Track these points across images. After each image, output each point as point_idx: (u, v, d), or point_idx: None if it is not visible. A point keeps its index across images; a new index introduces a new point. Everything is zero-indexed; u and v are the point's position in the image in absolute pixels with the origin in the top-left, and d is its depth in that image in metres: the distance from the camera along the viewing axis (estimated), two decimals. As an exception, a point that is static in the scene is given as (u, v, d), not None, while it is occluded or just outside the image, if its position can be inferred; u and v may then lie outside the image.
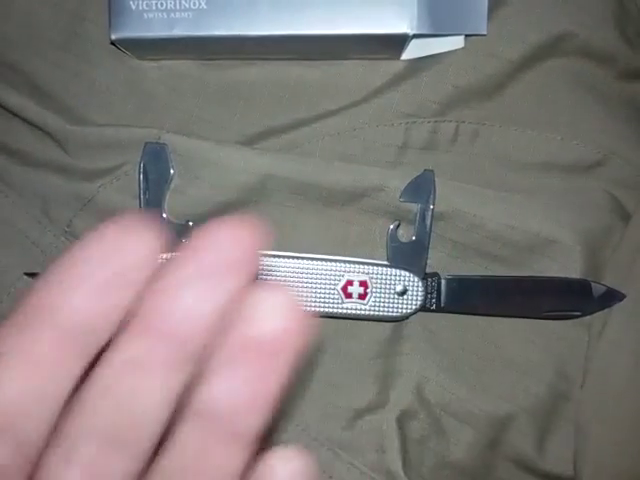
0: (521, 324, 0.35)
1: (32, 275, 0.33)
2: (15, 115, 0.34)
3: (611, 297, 0.34)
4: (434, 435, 0.34)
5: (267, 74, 0.35)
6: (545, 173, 0.35)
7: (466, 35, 0.34)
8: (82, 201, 0.34)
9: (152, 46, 0.33)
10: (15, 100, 0.33)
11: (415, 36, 0.32)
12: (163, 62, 0.35)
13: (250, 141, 0.35)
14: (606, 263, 0.35)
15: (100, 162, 0.34)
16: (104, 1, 0.33)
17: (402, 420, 0.34)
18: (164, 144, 0.32)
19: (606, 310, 0.34)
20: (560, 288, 0.34)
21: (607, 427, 0.34)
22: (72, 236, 0.34)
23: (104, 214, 0.34)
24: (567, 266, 0.34)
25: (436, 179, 0.33)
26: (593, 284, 0.34)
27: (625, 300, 0.34)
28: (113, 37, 0.32)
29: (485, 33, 0.33)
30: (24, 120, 0.34)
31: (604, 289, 0.34)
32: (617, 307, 0.34)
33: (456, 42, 0.34)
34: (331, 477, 0.33)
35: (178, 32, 0.32)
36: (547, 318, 0.34)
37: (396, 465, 0.33)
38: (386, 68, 0.35)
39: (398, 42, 0.33)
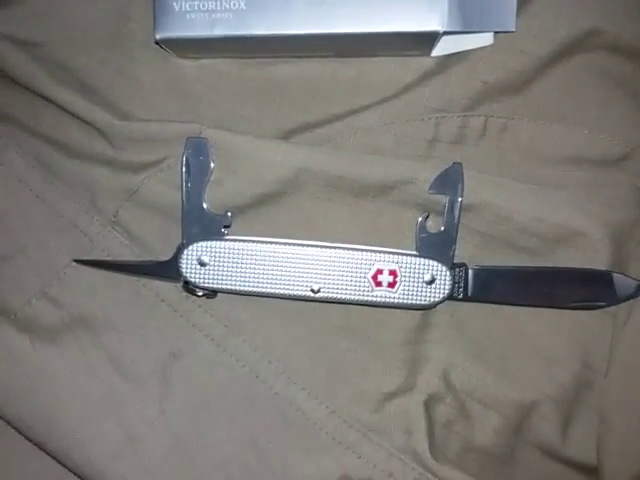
0: (547, 313, 0.35)
1: (81, 262, 0.35)
2: (64, 110, 0.35)
3: (636, 288, 0.34)
4: (460, 419, 0.35)
5: (302, 71, 0.36)
6: (572, 167, 0.36)
7: (495, 32, 0.35)
8: (127, 192, 0.35)
9: (194, 45, 0.34)
10: (64, 96, 0.34)
11: (445, 33, 0.33)
12: (203, 60, 0.36)
13: (285, 136, 0.36)
14: (632, 255, 0.35)
15: (144, 155, 0.35)
16: (148, 2, 0.34)
17: (429, 404, 0.35)
18: (205, 139, 0.33)
19: (631, 301, 0.34)
20: (586, 279, 0.34)
21: (630, 417, 0.35)
22: (118, 225, 0.36)
23: (149, 205, 0.35)
24: (593, 258, 0.34)
25: (464, 172, 0.33)
26: (618, 275, 0.34)
27: None
28: (157, 37, 0.33)
29: (514, 30, 0.34)
30: (73, 115, 0.35)
31: (629, 280, 0.34)
32: None
33: (485, 39, 0.34)
34: (360, 457, 0.34)
35: (219, 32, 0.33)
36: (573, 308, 0.35)
37: (423, 447, 0.34)
38: (416, 64, 0.36)
39: (429, 39, 0.34)
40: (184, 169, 0.33)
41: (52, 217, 0.36)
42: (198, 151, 0.33)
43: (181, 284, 0.35)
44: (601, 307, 0.35)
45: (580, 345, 0.35)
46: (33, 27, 0.36)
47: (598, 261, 0.34)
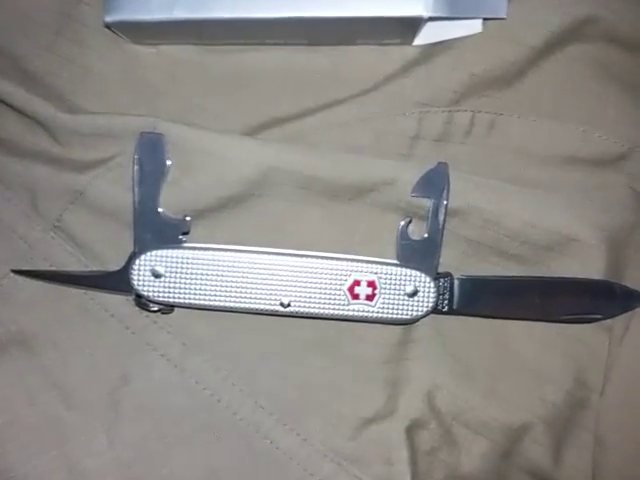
0: (538, 327, 0.34)
1: (20, 273, 0.33)
2: (2, 102, 0.33)
3: (634, 299, 0.34)
4: (445, 446, 0.34)
5: (271, 60, 0.34)
6: (566, 167, 0.35)
7: (484, 19, 0.33)
8: (73, 194, 0.33)
9: (149, 30, 0.32)
10: (3, 86, 0.32)
11: (430, 19, 0.31)
12: (161, 47, 0.35)
13: (252, 131, 0.34)
14: (629, 263, 0.34)
15: (92, 152, 0.33)
16: (100, -17, 0.33)
17: (411, 430, 0.33)
18: (160, 134, 0.31)
19: (628, 313, 0.34)
20: (580, 290, 0.34)
21: (628, 437, 0.34)
22: (62, 231, 0.34)
23: (96, 208, 0.33)
24: (588, 266, 0.33)
25: (450, 172, 0.32)
26: (615, 285, 0.33)
27: None
28: (107, 20, 0.31)
29: (505, 17, 0.33)
30: (12, 107, 0.33)
31: (627, 291, 0.34)
32: None
33: (474, 26, 0.33)
34: (335, 490, 0.33)
35: (178, 14, 0.31)
36: (566, 321, 0.34)
37: (405, 478, 0.32)
38: (398, 54, 0.34)
39: (412, 25, 0.32)
40: (136, 168, 0.31)
41: (-12, 222, 0.34)
42: (152, 148, 0.31)
43: (133, 297, 0.32)
44: (597, 320, 0.34)
45: (574, 361, 0.34)
46: None
47: (594, 270, 0.33)
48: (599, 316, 0.33)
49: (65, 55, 0.34)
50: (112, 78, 0.34)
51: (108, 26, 0.32)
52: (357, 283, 0.31)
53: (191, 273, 0.31)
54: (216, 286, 0.31)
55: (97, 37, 0.34)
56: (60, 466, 0.32)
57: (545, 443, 0.34)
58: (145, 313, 0.33)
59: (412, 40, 0.33)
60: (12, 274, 0.33)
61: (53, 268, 0.33)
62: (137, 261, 0.31)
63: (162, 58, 0.34)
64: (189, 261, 0.31)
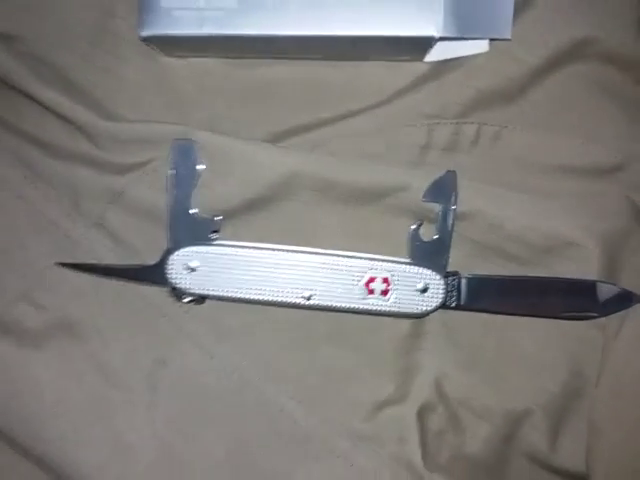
0: (538, 323, 0.35)
1: (65, 265, 0.34)
2: (47, 108, 0.34)
3: (627, 299, 0.34)
4: (451, 429, 0.35)
5: (293, 73, 0.36)
6: (565, 176, 0.36)
7: (490, 39, 0.35)
8: (112, 194, 0.35)
9: (181, 43, 0.34)
10: (47, 94, 0.34)
11: (441, 39, 0.33)
12: (191, 59, 0.36)
13: (275, 139, 0.36)
14: (623, 266, 0.35)
15: (130, 157, 0.34)
16: (133, -1, 0.34)
17: (422, 414, 0.35)
18: (193, 141, 0.33)
19: (622, 312, 0.35)
20: (577, 289, 0.35)
21: (620, 426, 0.35)
22: (102, 228, 0.35)
23: (134, 208, 0.35)
24: (585, 268, 0.34)
25: (458, 180, 0.33)
26: (609, 286, 0.34)
27: None
28: (142, 34, 0.32)
29: (510, 37, 0.34)
30: (56, 114, 0.34)
31: (620, 291, 0.34)
32: (633, 309, 0.34)
33: (480, 46, 0.35)
34: (352, 465, 0.34)
35: (207, 30, 0.32)
36: (564, 318, 0.35)
37: (416, 456, 0.34)
38: (410, 69, 0.36)
39: (424, 44, 0.33)
40: (171, 172, 0.33)
41: (34, 218, 0.35)
42: (185, 154, 0.33)
43: (168, 289, 0.34)
44: (592, 318, 0.35)
45: (571, 354, 0.35)
46: (13, 21, 0.35)
47: (589, 271, 0.34)
48: (594, 314, 0.34)
49: (102, 65, 0.35)
50: (146, 88, 0.35)
51: (143, 40, 0.33)
52: (372, 279, 0.33)
53: (221, 268, 0.32)
54: (243, 280, 0.32)
55: (132, 49, 0.35)
56: (105, 439, 0.34)
57: (543, 429, 0.35)
58: (179, 303, 0.34)
59: (423, 57, 0.35)
60: (57, 266, 0.34)
61: (95, 261, 0.34)
62: (172, 256, 0.32)
63: (192, 70, 0.35)
64: (219, 257, 0.32)
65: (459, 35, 0.33)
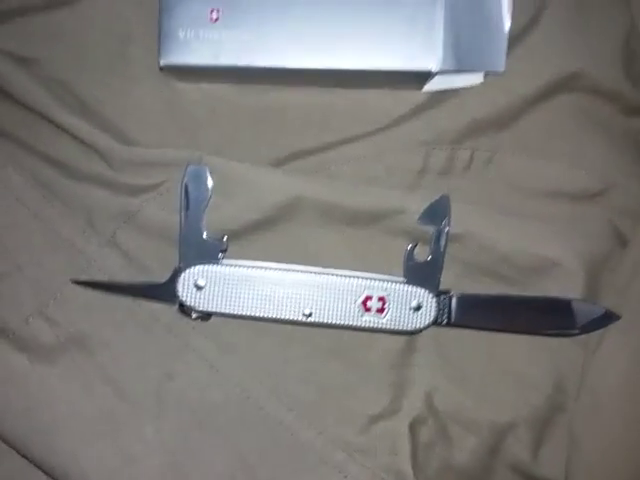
0: (524, 340, 0.36)
1: (78, 282, 0.35)
2: (65, 132, 0.35)
3: (607, 318, 0.36)
4: (441, 440, 0.36)
5: (299, 99, 0.37)
6: (553, 200, 0.37)
7: (485, 72, 0.36)
8: (126, 214, 0.36)
9: (196, 72, 0.35)
10: (66, 119, 0.35)
11: (439, 72, 0.34)
12: (203, 85, 0.37)
13: (281, 162, 0.37)
14: (604, 286, 0.37)
15: (144, 179, 0.35)
16: (150, 24, 0.35)
17: (413, 427, 0.36)
18: (205, 166, 0.34)
19: (602, 330, 0.36)
20: (561, 308, 0.36)
21: (597, 438, 0.36)
22: (115, 246, 0.36)
23: (146, 227, 0.36)
24: (569, 288, 0.36)
25: (451, 203, 0.34)
26: (591, 305, 0.36)
27: (620, 321, 0.36)
28: (162, 63, 0.34)
29: (503, 71, 0.35)
30: (73, 136, 0.35)
31: (601, 310, 0.36)
32: (612, 327, 0.36)
33: (476, 78, 0.36)
34: (346, 477, 0.35)
35: (223, 62, 0.34)
36: (548, 335, 0.36)
37: (407, 467, 0.35)
38: (409, 98, 0.37)
39: (423, 77, 0.35)
40: (183, 195, 0.34)
41: (49, 236, 0.36)
42: (198, 178, 0.34)
43: (177, 306, 0.35)
44: (574, 335, 0.36)
45: (554, 370, 0.37)
46: (32, 44, 0.37)
47: (573, 291, 0.36)
48: (576, 331, 0.35)
49: (118, 90, 0.36)
50: (160, 111, 0.36)
51: (161, 68, 0.34)
52: (369, 298, 0.34)
53: (228, 286, 0.34)
54: (249, 298, 0.34)
55: (146, 74, 0.36)
56: (114, 451, 0.34)
57: (526, 441, 0.36)
58: (186, 319, 0.35)
59: (422, 87, 0.36)
60: (71, 283, 0.35)
61: (107, 278, 0.35)
62: (182, 275, 0.34)
63: (203, 94, 0.36)
64: (226, 276, 0.34)
65: (457, 68, 0.34)
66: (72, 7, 0.36)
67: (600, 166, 0.37)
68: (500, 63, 0.35)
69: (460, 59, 0.34)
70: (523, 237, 0.36)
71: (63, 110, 0.35)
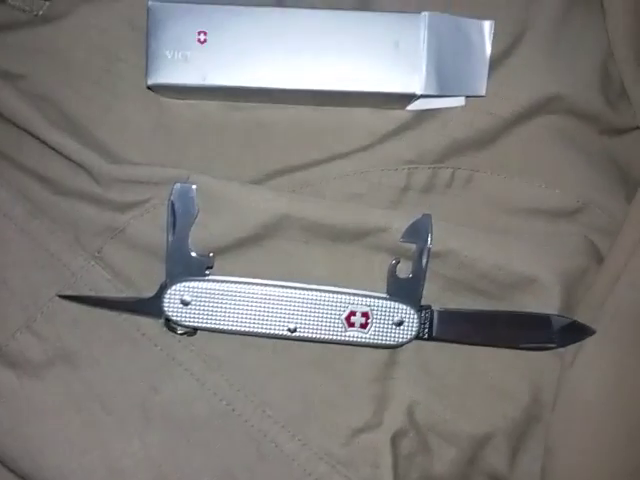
0: (503, 353, 0.37)
1: (65, 297, 0.35)
2: (53, 149, 0.35)
3: (583, 332, 0.37)
4: (421, 452, 0.37)
5: (285, 116, 0.37)
6: (530, 217, 0.38)
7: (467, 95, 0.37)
8: (113, 230, 0.36)
9: (183, 90, 0.35)
10: (53, 136, 0.35)
11: (422, 96, 0.35)
12: (190, 101, 0.37)
13: (266, 178, 0.37)
14: (580, 301, 0.38)
15: (131, 195, 0.35)
16: (136, 41, 0.35)
17: (395, 439, 0.36)
18: (191, 185, 0.34)
19: (577, 343, 0.37)
20: (538, 322, 0.37)
21: (571, 449, 0.37)
22: (102, 261, 0.36)
23: (133, 243, 0.36)
24: (546, 303, 0.36)
25: (433, 221, 0.35)
26: (567, 319, 0.36)
27: (595, 335, 0.37)
28: (149, 83, 0.34)
29: (484, 95, 0.36)
30: (62, 155, 0.35)
31: (577, 324, 0.37)
32: (588, 341, 0.37)
33: (457, 100, 0.37)
34: (328, 489, 0.36)
35: (209, 82, 0.34)
36: (525, 349, 0.37)
37: (388, 479, 0.36)
38: (393, 117, 0.37)
39: (406, 99, 0.36)
40: (170, 213, 0.34)
41: (36, 251, 0.36)
42: (184, 196, 0.34)
43: (162, 321, 0.35)
44: (551, 348, 0.37)
45: (531, 382, 0.38)
46: (18, 60, 0.37)
47: (550, 306, 0.37)
48: (553, 345, 0.36)
49: (104, 105, 0.36)
50: (146, 127, 0.36)
51: (148, 87, 0.34)
52: (353, 313, 0.35)
53: (214, 302, 0.34)
54: (234, 313, 0.34)
55: (133, 90, 0.36)
56: (101, 464, 0.35)
57: (503, 451, 0.37)
58: (171, 333, 0.35)
59: (406, 106, 0.37)
60: (57, 297, 0.35)
61: (93, 293, 0.35)
62: (168, 291, 0.34)
63: (191, 111, 0.37)
64: (212, 291, 0.34)
65: (439, 93, 0.35)
66: (59, 23, 0.36)
67: (577, 185, 0.38)
68: (481, 88, 0.36)
69: (443, 84, 0.35)
70: (502, 254, 0.36)
71: (49, 127, 0.35)
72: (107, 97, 0.36)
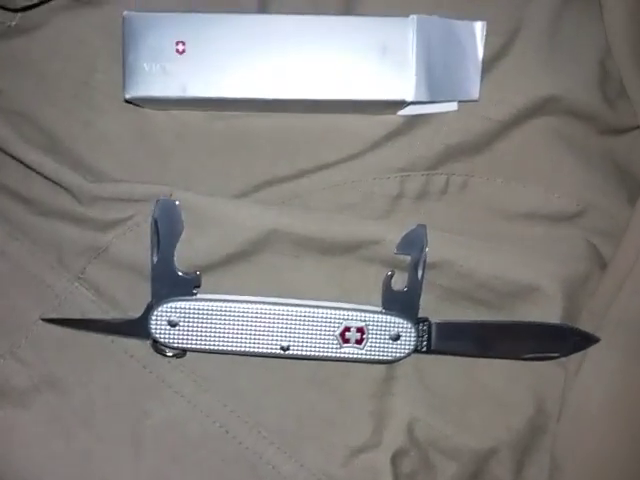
0: (505, 363, 0.36)
1: (49, 321, 0.35)
2: (32, 169, 0.34)
3: (587, 340, 0.36)
4: (422, 470, 0.36)
5: (270, 125, 0.36)
6: (529, 222, 0.37)
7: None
8: (96, 250, 0.35)
9: (163, 102, 0.34)
10: (31, 156, 0.34)
11: (412, 102, 0.34)
12: (172, 111, 0.36)
13: (252, 190, 0.36)
14: (582, 308, 0.37)
15: (113, 213, 0.35)
16: (114, 53, 0.34)
17: (395, 458, 0.36)
18: (175, 201, 0.34)
19: (581, 352, 0.36)
20: (540, 332, 0.36)
21: (579, 460, 0.36)
22: (85, 282, 0.35)
23: (117, 263, 0.35)
24: (547, 311, 0.36)
25: (428, 231, 0.34)
26: (570, 328, 0.36)
27: (599, 343, 0.36)
28: (127, 96, 0.33)
29: (477, 99, 0.35)
30: (41, 175, 0.34)
31: (580, 333, 0.36)
32: (592, 349, 0.36)
33: (450, 105, 0.36)
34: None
35: (190, 94, 0.33)
36: (528, 359, 0.36)
37: None
38: (383, 123, 0.36)
39: (397, 105, 0.35)
40: (154, 230, 0.33)
41: (17, 274, 0.35)
42: (168, 212, 0.33)
43: (150, 343, 0.35)
44: (555, 358, 0.36)
45: (535, 392, 0.37)
46: None
47: (552, 314, 0.36)
48: (556, 354, 0.36)
49: (83, 119, 0.35)
50: (127, 139, 0.36)
51: (126, 101, 0.33)
52: (348, 329, 0.34)
53: (202, 321, 0.33)
54: (224, 332, 0.33)
55: (112, 102, 0.35)
56: None
57: (508, 464, 0.36)
58: (160, 357, 0.35)
59: (397, 112, 0.36)
60: (41, 321, 0.35)
61: (78, 315, 0.35)
62: (155, 312, 0.33)
63: (172, 121, 0.36)
64: (200, 311, 0.33)
65: (430, 99, 0.34)
66: (33, 34, 0.36)
67: (576, 187, 0.37)
68: (474, 92, 0.35)
69: (434, 89, 0.34)
70: (500, 263, 0.36)
71: (26, 146, 0.34)
72: (86, 110, 0.36)
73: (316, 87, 0.33)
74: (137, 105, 0.35)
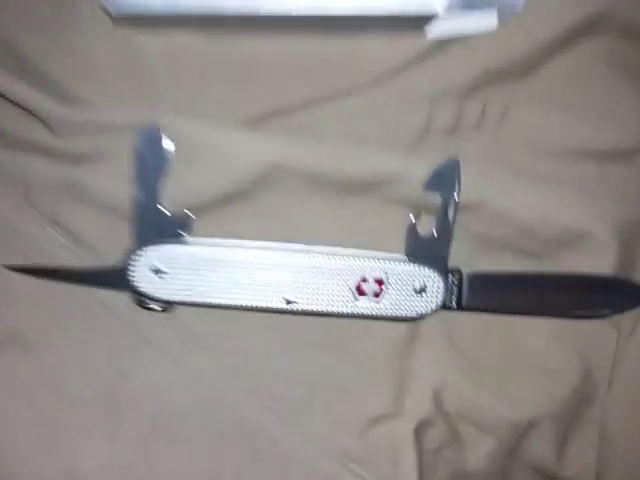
0: (547, 323, 0.35)
1: (13, 268, 0.33)
2: (1, 95, 0.33)
3: None
4: (450, 445, 0.34)
5: (278, 48, 0.34)
6: (578, 161, 0.35)
7: (499, 17, 0.33)
8: (69, 186, 0.33)
9: (154, 21, 0.32)
10: (1, 80, 0.32)
11: (445, 13, 0.31)
12: (163, 34, 0.34)
13: (257, 121, 0.34)
14: (639, 258, 0.35)
15: (90, 143, 0.33)
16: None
17: (419, 430, 0.34)
18: (159, 127, 0.31)
19: (637, 310, 0.34)
20: (589, 285, 0.34)
21: (634, 435, 0.34)
22: (56, 224, 0.34)
23: (93, 201, 0.33)
24: (600, 262, 0.34)
25: (461, 167, 0.32)
26: (625, 281, 0.34)
27: None
28: (113, 13, 0.31)
29: (520, 6, 0.32)
30: (9, 100, 0.33)
31: (636, 287, 0.34)
32: None
33: (488, 22, 0.33)
34: (340, 492, 0.33)
35: (184, 9, 0.31)
36: (574, 317, 0.34)
37: (412, 479, 0.33)
38: (409, 45, 0.34)
39: (425, 20, 0.32)
40: (136, 161, 0.31)
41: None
42: (152, 141, 0.31)
43: (131, 294, 0.33)
44: (605, 316, 0.34)
45: (581, 357, 0.35)
46: None
47: (604, 265, 0.34)
48: (608, 311, 0.34)
49: (65, 45, 0.34)
50: (113, 66, 0.34)
51: (114, 20, 0.32)
52: (364, 280, 0.32)
53: (192, 270, 0.31)
54: (217, 283, 0.31)
55: (97, 26, 0.33)
56: (58, 469, 0.32)
57: (550, 439, 0.35)
58: (142, 309, 0.33)
59: (425, 32, 0.33)
60: (7, 269, 0.33)
61: (48, 262, 0.33)
62: (136, 257, 0.31)
63: (165, 46, 0.34)
64: (190, 257, 0.31)
65: (465, 7, 0.32)
66: None
67: (632, 121, 0.35)
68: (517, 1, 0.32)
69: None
70: (545, 205, 0.33)
71: None
72: (68, 35, 0.34)
73: (332, 1, 0.31)
74: (125, 26, 0.33)
